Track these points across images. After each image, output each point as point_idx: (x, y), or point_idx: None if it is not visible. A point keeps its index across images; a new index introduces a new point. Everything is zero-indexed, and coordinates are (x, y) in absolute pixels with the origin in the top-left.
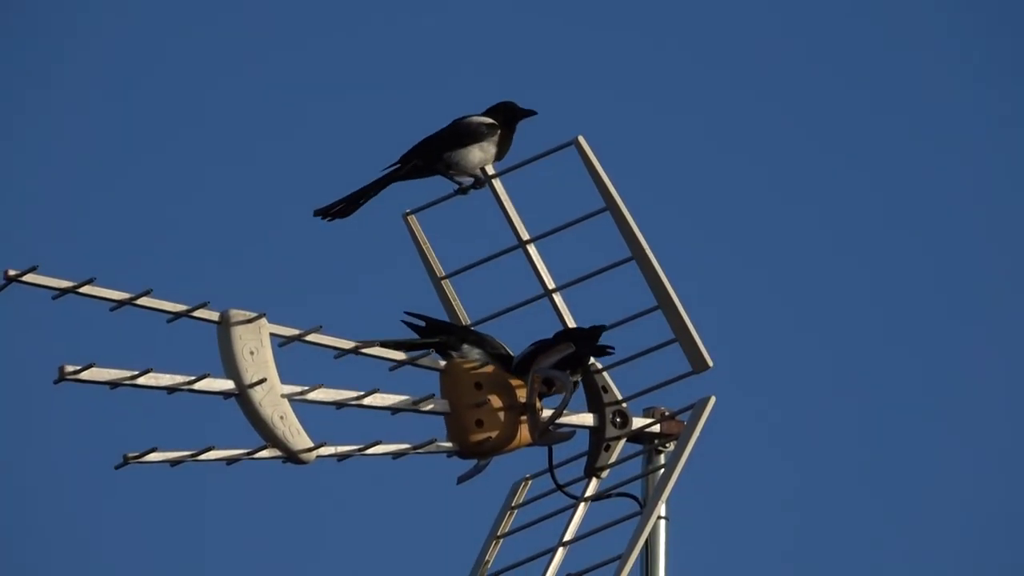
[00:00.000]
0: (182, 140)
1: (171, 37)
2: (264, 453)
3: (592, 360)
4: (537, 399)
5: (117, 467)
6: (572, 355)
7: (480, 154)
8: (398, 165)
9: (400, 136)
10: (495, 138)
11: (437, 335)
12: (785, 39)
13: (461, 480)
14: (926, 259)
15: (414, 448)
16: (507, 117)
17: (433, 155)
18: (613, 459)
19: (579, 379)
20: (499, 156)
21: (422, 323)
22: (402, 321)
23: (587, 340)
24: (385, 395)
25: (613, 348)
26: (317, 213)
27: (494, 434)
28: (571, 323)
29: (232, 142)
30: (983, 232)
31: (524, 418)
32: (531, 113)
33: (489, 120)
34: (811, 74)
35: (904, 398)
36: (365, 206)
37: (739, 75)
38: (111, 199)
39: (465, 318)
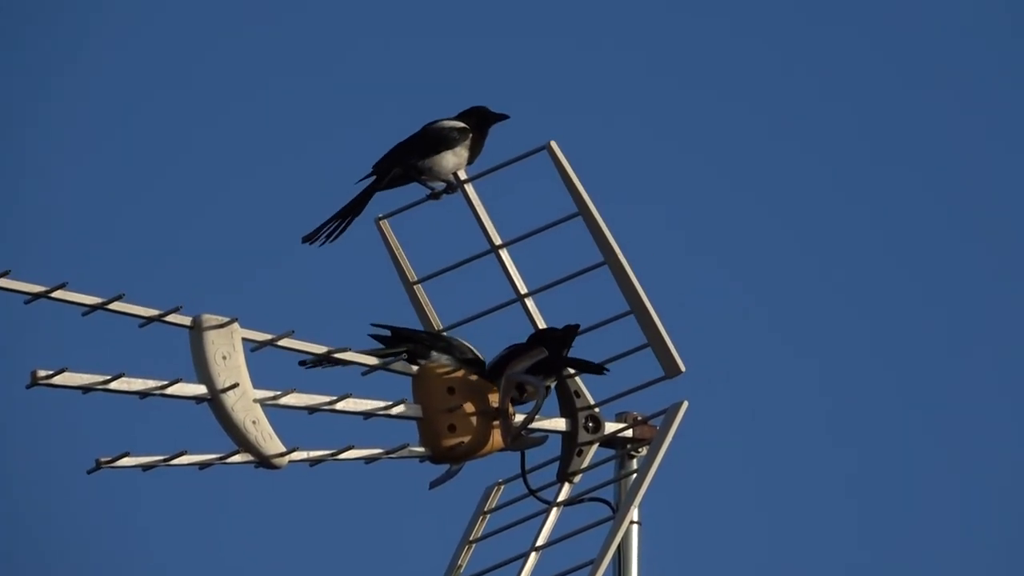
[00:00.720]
0: (154, 147)
1: (147, 48)
2: (236, 458)
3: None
4: (510, 404)
5: (90, 472)
6: (545, 360)
7: (454, 159)
8: (372, 175)
9: (370, 141)
10: (467, 142)
11: (404, 344)
12: (753, 41)
13: (433, 485)
14: (900, 260)
15: (386, 453)
16: (479, 121)
17: (407, 162)
18: (585, 464)
19: (552, 384)
20: (471, 160)
21: (388, 332)
22: (369, 335)
23: (561, 344)
24: (357, 400)
25: (608, 369)
26: (306, 240)
27: (466, 439)
28: (543, 328)
29: (204, 149)
30: (958, 229)
31: (496, 423)
32: (503, 117)
33: (460, 124)
34: (779, 76)
35: (878, 402)
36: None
37: (710, 80)
38: (83, 204)
39: (437, 323)
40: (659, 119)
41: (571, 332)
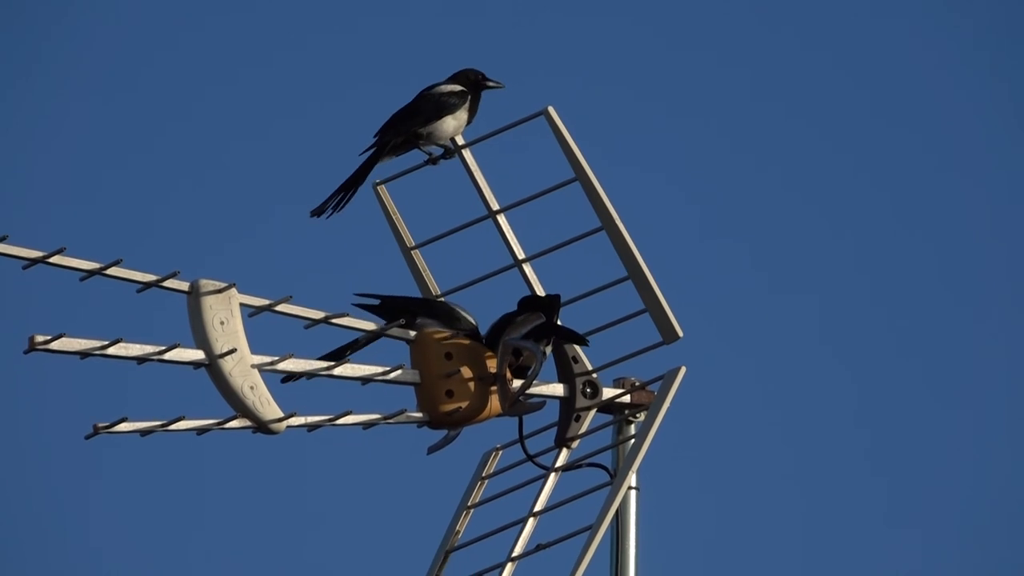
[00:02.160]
0: (152, 111)
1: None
2: (234, 423)
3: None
4: (507, 369)
5: (87, 437)
6: (542, 325)
7: (454, 123)
8: (374, 145)
9: (366, 110)
10: (467, 105)
11: (392, 311)
12: (752, 16)
13: (431, 450)
14: (900, 230)
15: (384, 418)
16: (473, 83)
17: (409, 130)
18: (583, 429)
19: (549, 349)
20: (469, 122)
21: (376, 301)
22: (354, 304)
23: (549, 311)
24: (355, 365)
25: (587, 341)
26: (314, 214)
27: (464, 404)
28: (541, 294)
29: (203, 115)
30: (956, 206)
31: (494, 388)
32: (498, 86)
33: (459, 88)
34: (776, 49)
35: (879, 368)
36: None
37: (708, 47)
38: (81, 171)
39: (435, 288)
40: (656, 85)
41: (555, 302)
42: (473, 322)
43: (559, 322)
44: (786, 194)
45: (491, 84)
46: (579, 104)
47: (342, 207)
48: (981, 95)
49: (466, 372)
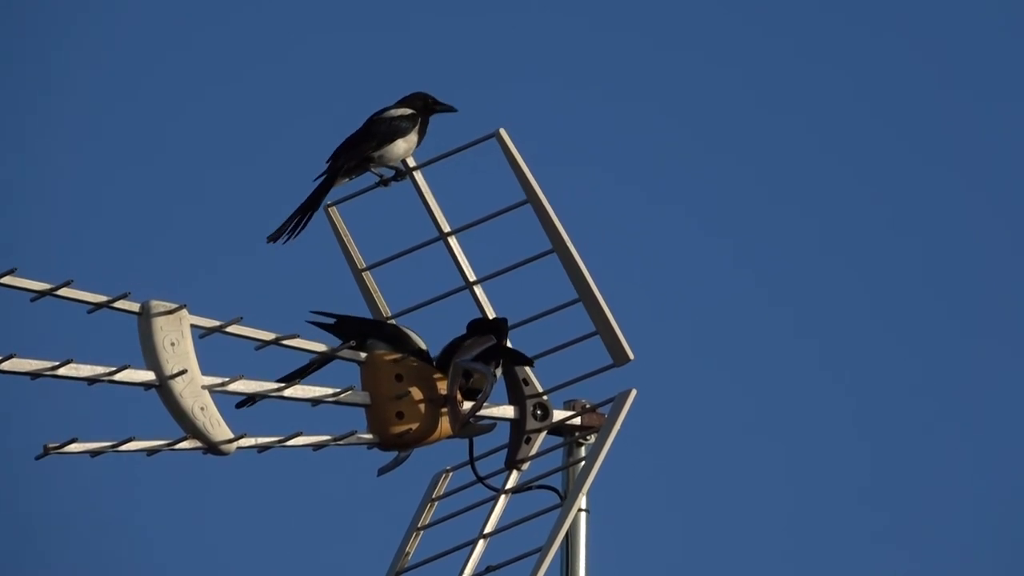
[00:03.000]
0: (105, 136)
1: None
2: (185, 444)
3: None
4: (458, 391)
5: (38, 458)
6: (493, 347)
7: (405, 145)
8: (327, 170)
9: (316, 135)
10: (417, 127)
11: (347, 331)
12: (704, 25)
13: (382, 472)
14: (840, 248)
15: (334, 440)
16: (423, 105)
17: (361, 155)
18: (534, 451)
19: (500, 371)
20: (417, 144)
21: (331, 320)
22: (308, 322)
23: (498, 334)
24: (305, 387)
25: (532, 362)
26: (270, 239)
27: (415, 426)
28: (491, 315)
29: (156, 141)
30: (894, 215)
31: (445, 410)
32: (450, 110)
33: (409, 111)
34: (730, 72)
35: (833, 389)
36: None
37: (660, 66)
38: (31, 191)
39: (386, 310)
40: (608, 107)
41: (503, 325)
42: (423, 346)
43: (507, 344)
44: (739, 219)
45: (441, 108)
46: (531, 125)
47: (298, 232)
48: (945, 98)
49: (416, 394)
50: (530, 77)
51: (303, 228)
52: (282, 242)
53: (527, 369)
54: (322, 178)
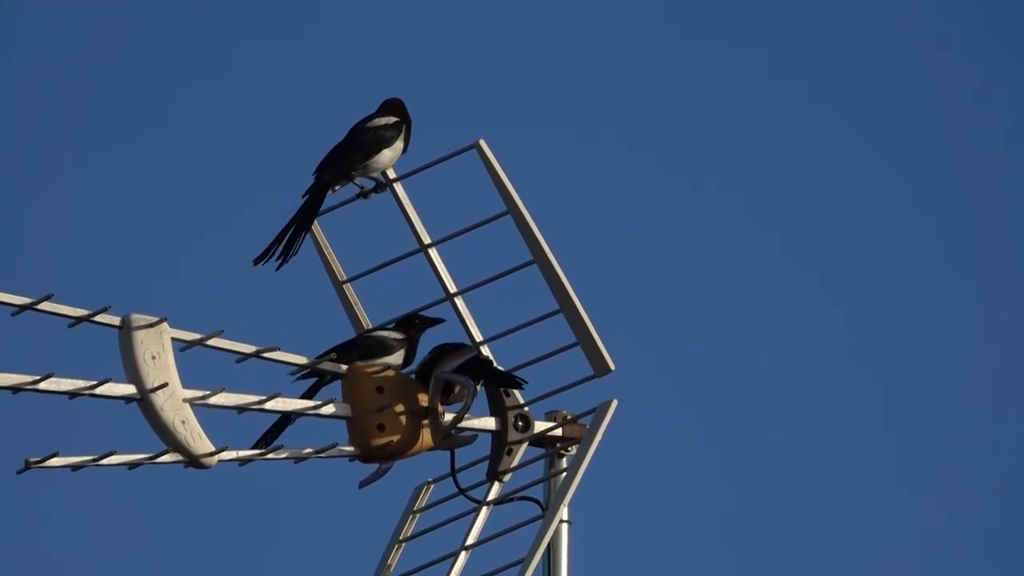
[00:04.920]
0: (85, 145)
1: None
2: (166, 457)
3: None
4: (439, 403)
5: (19, 472)
6: (473, 359)
7: (391, 154)
8: (314, 184)
9: (294, 145)
10: (402, 135)
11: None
12: (690, 36)
13: (363, 484)
14: (820, 258)
15: (316, 452)
16: (402, 111)
17: (350, 167)
18: (515, 463)
19: (481, 383)
20: (404, 151)
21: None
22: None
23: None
24: (287, 399)
25: (526, 381)
26: (257, 261)
27: (396, 438)
28: (473, 327)
29: (128, 150)
30: (864, 211)
31: (426, 422)
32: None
33: (393, 119)
34: (714, 76)
35: (814, 400)
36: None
37: (640, 78)
38: (11, 204)
39: (367, 322)
40: (589, 118)
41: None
42: (400, 336)
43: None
44: (721, 227)
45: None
46: (511, 137)
47: (291, 254)
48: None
49: (398, 406)
50: (510, 90)
51: (296, 249)
52: (276, 266)
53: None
54: (308, 195)
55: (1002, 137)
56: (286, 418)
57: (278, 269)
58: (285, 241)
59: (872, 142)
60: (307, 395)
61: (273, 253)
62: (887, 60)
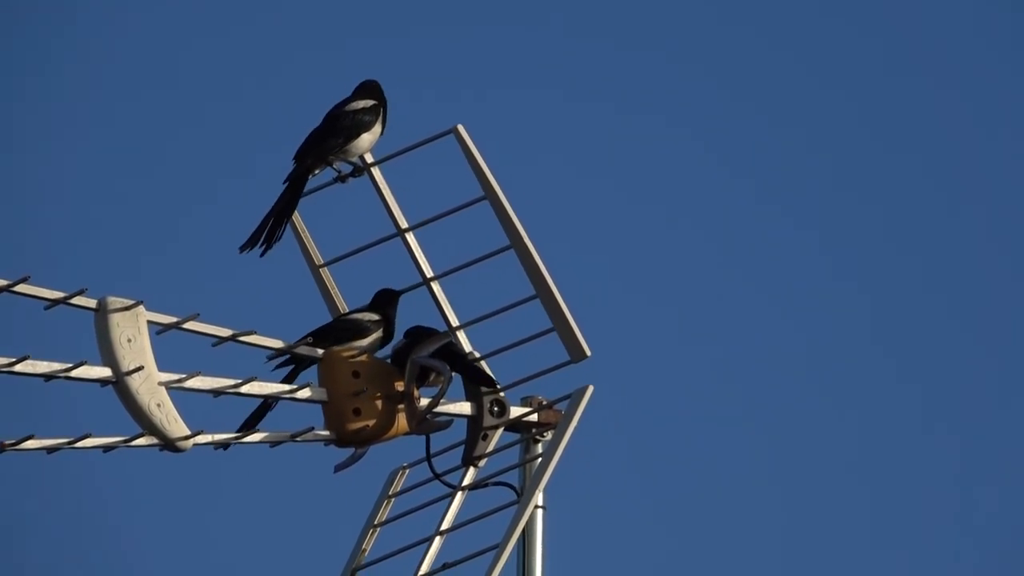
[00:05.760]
0: (64, 129)
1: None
2: (141, 441)
3: (471, 350)
4: (415, 388)
5: None
6: (450, 351)
7: (370, 138)
8: (294, 170)
9: (270, 129)
10: (380, 118)
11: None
12: (661, 29)
13: (338, 468)
14: (797, 248)
15: (291, 436)
16: (378, 93)
17: (329, 152)
18: (491, 448)
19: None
20: (381, 133)
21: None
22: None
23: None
24: (263, 383)
25: (499, 386)
26: (243, 248)
27: (371, 423)
28: (449, 312)
29: (111, 131)
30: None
31: (401, 407)
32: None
33: (371, 102)
34: (692, 66)
35: (778, 386)
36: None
37: (617, 65)
38: None
39: (343, 306)
40: (566, 104)
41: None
42: (376, 317)
43: (480, 365)
44: (694, 218)
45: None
46: (489, 122)
47: (275, 240)
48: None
49: (373, 390)
50: (488, 74)
51: (280, 235)
52: (260, 252)
53: (484, 365)
54: (289, 181)
55: None
56: (266, 404)
57: (262, 256)
58: (269, 228)
59: (858, 106)
60: (286, 380)
61: (257, 240)
62: (908, 47)
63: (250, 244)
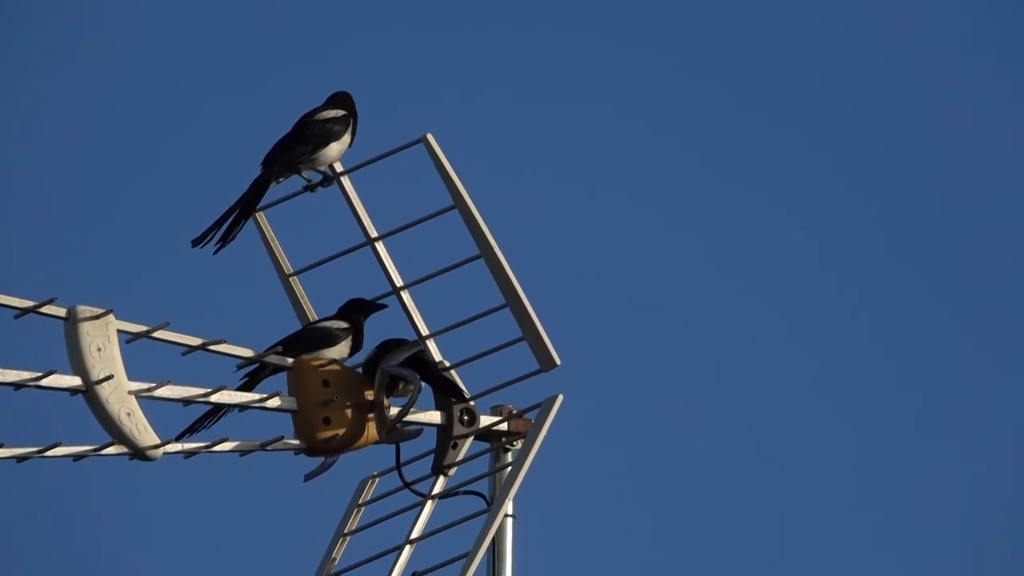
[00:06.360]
0: (34, 136)
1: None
2: (111, 450)
3: (441, 360)
4: (384, 397)
5: None
6: (421, 360)
7: (338, 147)
8: (260, 175)
9: (243, 135)
10: (350, 128)
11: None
12: (631, 33)
13: (308, 477)
14: (797, 247)
15: (261, 445)
16: (350, 105)
17: (297, 159)
18: (461, 457)
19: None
20: (350, 144)
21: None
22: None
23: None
24: (232, 392)
25: (469, 398)
26: (196, 243)
27: (341, 431)
28: (419, 321)
29: (79, 139)
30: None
31: (371, 416)
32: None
33: (341, 112)
34: (663, 70)
35: (753, 396)
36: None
37: (586, 74)
38: None
39: (313, 315)
40: (535, 113)
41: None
42: (345, 326)
43: (453, 376)
44: (665, 225)
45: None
46: (458, 131)
47: (230, 239)
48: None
49: (343, 399)
50: (458, 82)
51: (236, 235)
52: (214, 249)
53: (454, 374)
54: (252, 184)
55: None
56: (219, 407)
57: (216, 253)
58: (226, 226)
59: (859, 106)
60: (245, 388)
61: (212, 237)
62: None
63: (203, 240)
